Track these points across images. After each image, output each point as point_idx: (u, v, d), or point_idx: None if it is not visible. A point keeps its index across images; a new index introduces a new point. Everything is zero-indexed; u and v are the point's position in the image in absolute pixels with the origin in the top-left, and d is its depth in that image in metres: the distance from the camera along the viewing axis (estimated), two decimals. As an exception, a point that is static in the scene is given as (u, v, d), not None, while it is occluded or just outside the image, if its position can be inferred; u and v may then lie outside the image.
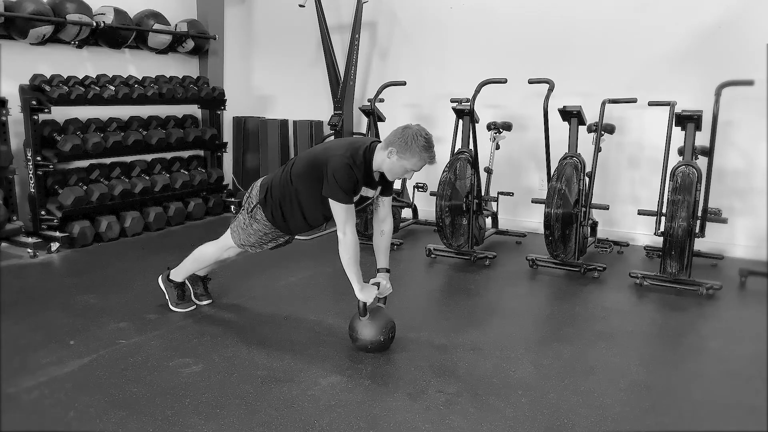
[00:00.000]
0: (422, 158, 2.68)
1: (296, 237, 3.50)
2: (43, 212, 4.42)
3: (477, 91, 4.27)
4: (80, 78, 4.73)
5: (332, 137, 5.72)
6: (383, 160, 2.73)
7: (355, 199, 2.80)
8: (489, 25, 5.25)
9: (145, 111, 5.30)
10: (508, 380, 2.61)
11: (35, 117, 4.35)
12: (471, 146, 4.40)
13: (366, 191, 2.83)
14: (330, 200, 2.75)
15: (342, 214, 2.74)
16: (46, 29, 4.43)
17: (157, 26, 5.19)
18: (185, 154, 5.70)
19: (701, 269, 4.13)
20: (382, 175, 2.82)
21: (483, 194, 4.63)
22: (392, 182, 2.95)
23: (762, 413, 2.39)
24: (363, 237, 4.54)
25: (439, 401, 2.42)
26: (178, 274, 3.29)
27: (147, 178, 5.07)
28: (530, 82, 4.19)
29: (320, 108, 5.97)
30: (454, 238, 4.40)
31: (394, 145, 2.67)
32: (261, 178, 3.11)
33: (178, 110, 5.62)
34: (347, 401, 2.41)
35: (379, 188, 2.89)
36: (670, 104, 4.07)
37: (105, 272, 3.95)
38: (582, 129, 4.31)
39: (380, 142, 2.80)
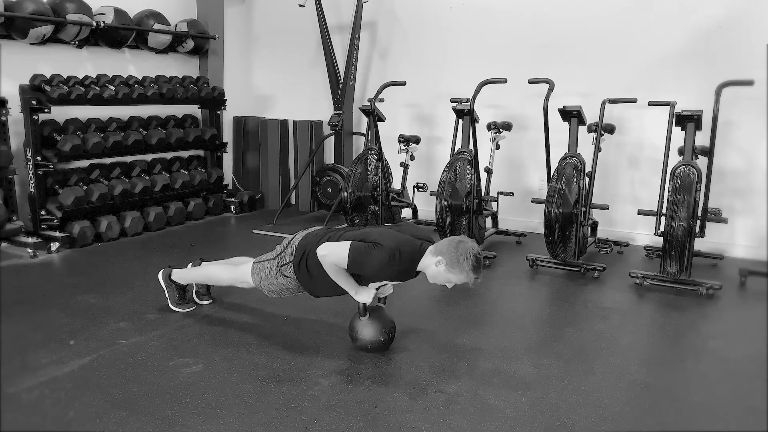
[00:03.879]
0: (469, 277, 2.65)
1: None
2: (43, 212, 4.42)
3: (477, 91, 4.27)
4: (80, 78, 4.72)
5: (332, 136, 5.74)
6: (429, 266, 2.68)
7: (376, 285, 2.81)
8: (489, 25, 5.26)
9: (145, 111, 5.29)
10: (508, 380, 2.61)
11: (35, 117, 4.34)
12: (471, 146, 4.39)
13: (398, 283, 2.85)
14: (346, 246, 2.66)
15: (336, 258, 2.66)
16: (46, 29, 4.43)
17: (157, 26, 5.18)
18: (185, 154, 5.70)
19: (701, 269, 4.14)
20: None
21: (483, 194, 4.62)
22: None
23: (762, 413, 2.39)
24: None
25: (439, 401, 2.42)
26: (182, 278, 3.28)
27: (147, 178, 5.07)
28: (530, 82, 4.19)
29: (320, 108, 5.98)
30: (454, 238, 4.39)
31: (445, 257, 2.63)
32: (301, 233, 2.97)
33: (178, 110, 5.62)
34: (347, 401, 2.41)
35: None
36: (670, 104, 4.07)
37: (105, 272, 3.95)
38: (582, 129, 4.32)
39: (432, 244, 2.73)
